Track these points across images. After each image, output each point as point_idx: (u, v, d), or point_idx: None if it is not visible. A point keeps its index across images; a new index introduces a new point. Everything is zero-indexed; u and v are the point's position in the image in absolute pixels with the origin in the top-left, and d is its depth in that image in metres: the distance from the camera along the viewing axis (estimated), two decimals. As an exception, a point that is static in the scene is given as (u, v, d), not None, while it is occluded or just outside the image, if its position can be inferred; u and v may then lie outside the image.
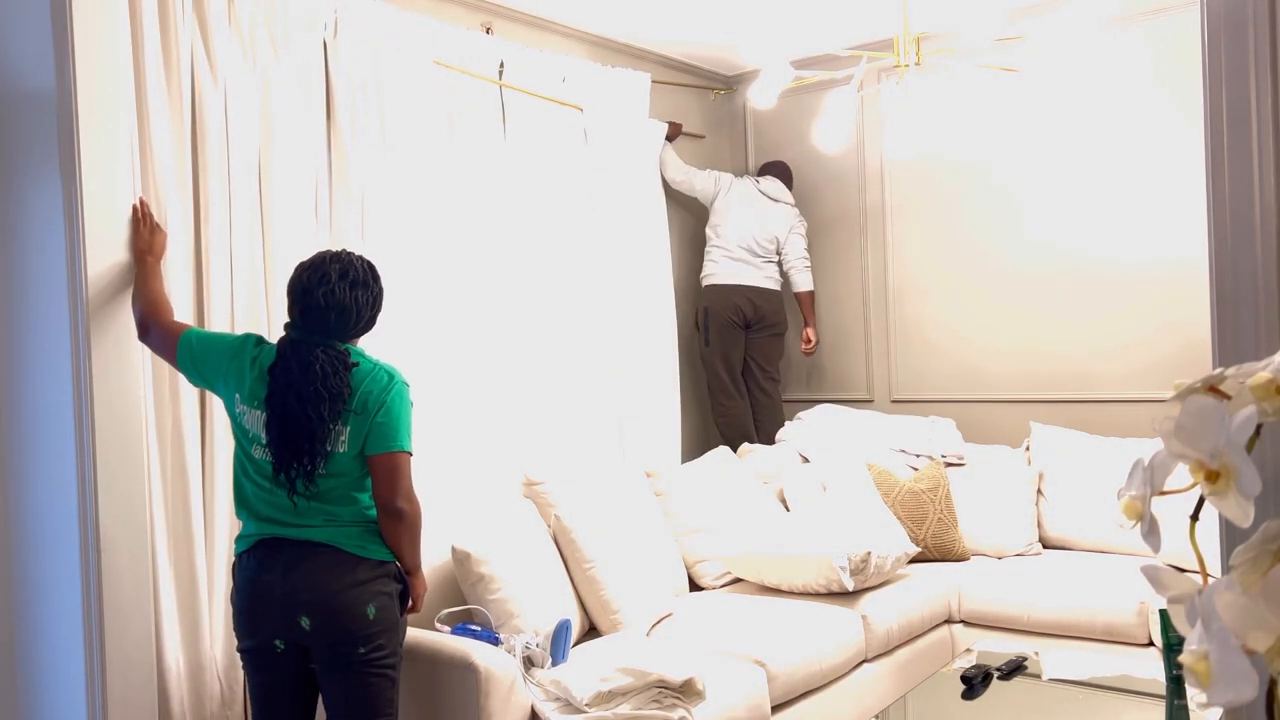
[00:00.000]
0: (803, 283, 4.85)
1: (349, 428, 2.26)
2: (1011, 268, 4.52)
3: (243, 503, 2.34)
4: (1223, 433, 0.78)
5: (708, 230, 4.85)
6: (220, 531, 2.93)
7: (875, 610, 3.38)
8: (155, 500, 2.71)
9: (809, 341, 4.94)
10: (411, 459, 2.32)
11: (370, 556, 2.28)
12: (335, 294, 2.27)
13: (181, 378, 2.74)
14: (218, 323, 2.94)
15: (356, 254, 2.39)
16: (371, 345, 3.35)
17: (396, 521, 2.28)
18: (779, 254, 4.81)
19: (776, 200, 4.84)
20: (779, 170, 4.97)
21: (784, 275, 4.85)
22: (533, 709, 2.49)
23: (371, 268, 2.38)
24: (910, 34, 3.53)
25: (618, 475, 3.71)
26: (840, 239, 5.01)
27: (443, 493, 3.53)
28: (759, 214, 4.78)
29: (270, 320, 3.07)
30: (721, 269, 4.76)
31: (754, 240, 4.74)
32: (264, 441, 2.26)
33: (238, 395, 2.32)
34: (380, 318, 2.44)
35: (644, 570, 3.31)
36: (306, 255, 3.15)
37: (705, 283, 4.82)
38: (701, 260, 5.07)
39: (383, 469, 2.27)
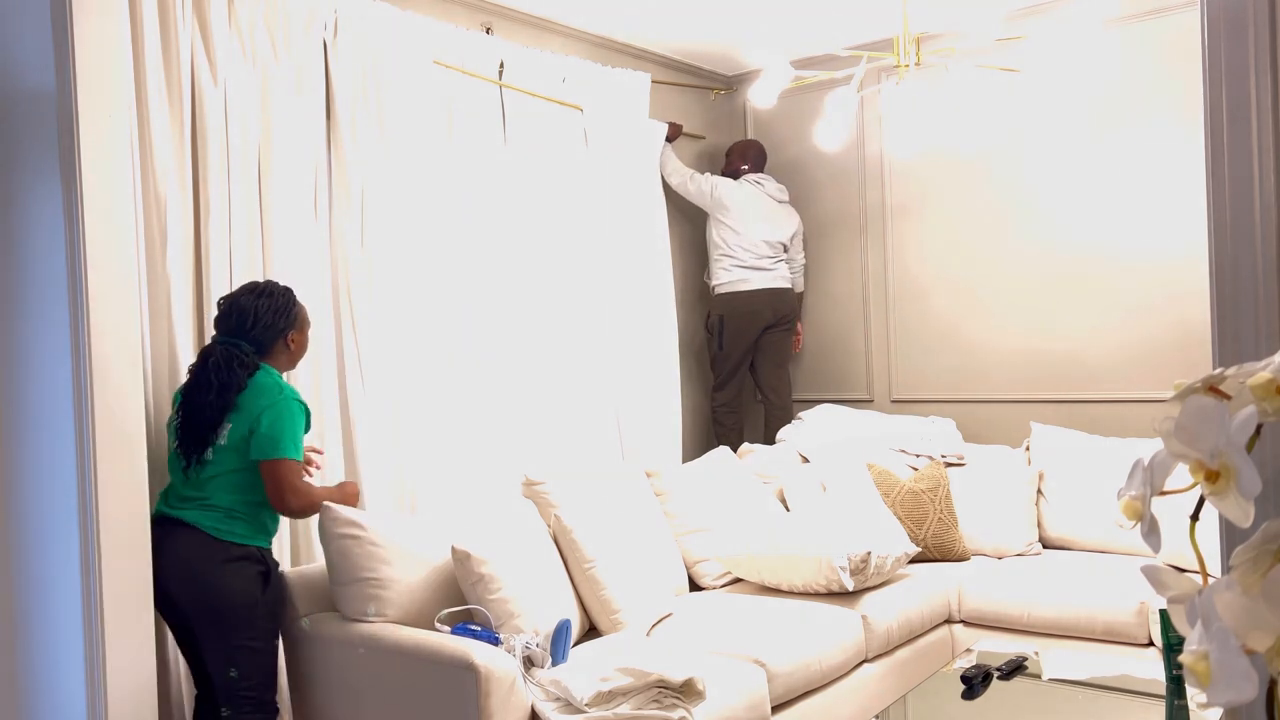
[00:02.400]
0: (799, 285, 4.96)
1: (230, 425, 2.61)
2: (1012, 268, 4.52)
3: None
4: (1223, 433, 0.78)
5: (715, 236, 4.77)
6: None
7: (875, 610, 3.38)
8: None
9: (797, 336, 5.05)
10: (295, 464, 2.64)
11: (226, 539, 2.60)
12: (238, 301, 2.70)
13: (183, 377, 2.78)
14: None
15: (282, 284, 2.78)
16: (376, 342, 3.38)
17: (291, 515, 2.73)
18: (785, 252, 4.83)
19: (783, 201, 4.86)
20: (758, 155, 4.92)
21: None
22: (533, 709, 2.49)
23: (285, 290, 2.76)
24: (910, 34, 3.53)
25: (618, 475, 3.71)
26: (840, 239, 5.01)
27: (443, 492, 3.54)
28: (770, 218, 4.77)
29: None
30: (736, 276, 4.71)
31: (767, 244, 4.74)
32: (171, 442, 2.66)
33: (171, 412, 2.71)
34: (283, 326, 2.73)
35: (644, 570, 3.31)
36: (306, 253, 3.22)
37: (719, 290, 4.77)
38: (700, 261, 5.08)
39: (268, 475, 2.61)
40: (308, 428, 2.73)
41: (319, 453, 3.05)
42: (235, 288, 2.88)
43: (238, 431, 2.61)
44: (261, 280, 2.81)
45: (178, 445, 2.62)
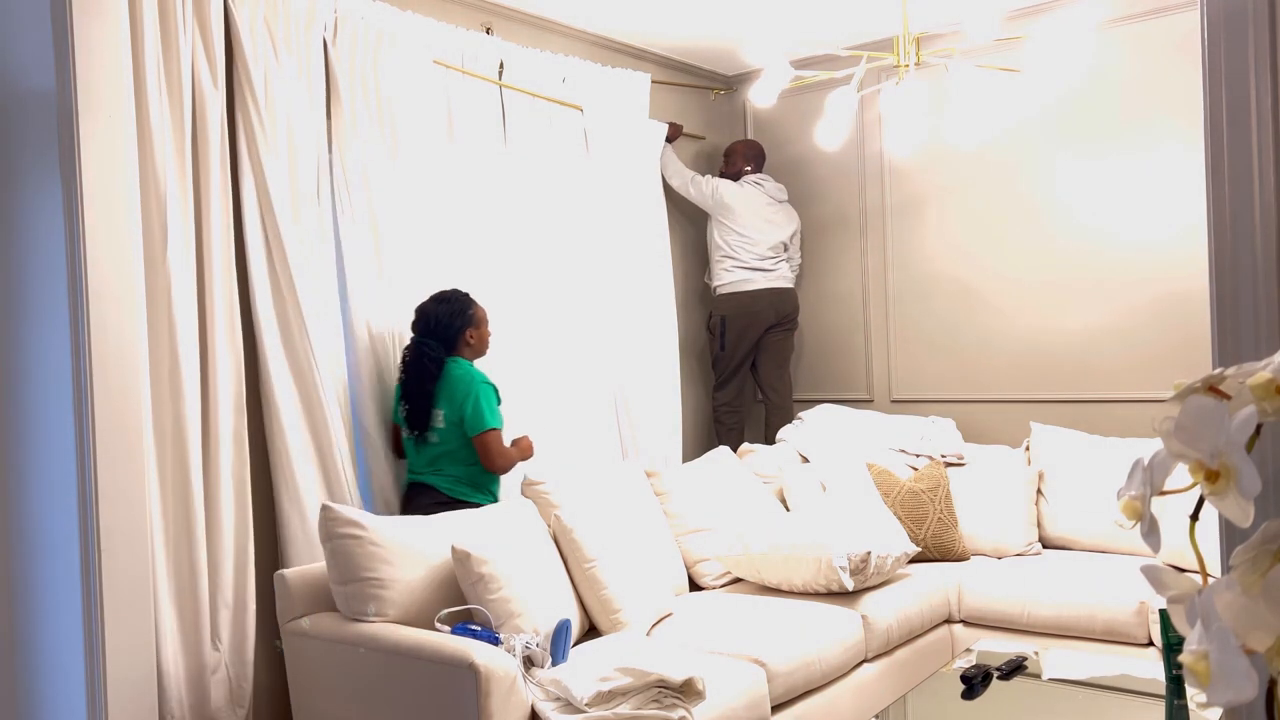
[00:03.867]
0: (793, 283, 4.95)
1: (442, 411, 3.25)
2: (1011, 267, 4.52)
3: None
4: (1223, 433, 0.78)
5: (717, 238, 4.77)
6: (221, 531, 2.93)
7: (875, 610, 3.38)
8: (155, 500, 2.72)
9: None
10: (498, 433, 3.27)
11: (461, 499, 3.24)
12: (424, 308, 3.35)
13: (182, 376, 2.81)
14: (216, 324, 2.94)
15: (461, 290, 3.40)
16: (377, 342, 3.38)
17: (499, 472, 3.33)
18: (785, 251, 4.83)
19: (782, 201, 4.86)
20: (759, 155, 4.92)
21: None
22: (533, 709, 2.49)
23: (461, 295, 3.38)
24: (910, 34, 3.53)
25: (618, 475, 3.71)
26: (840, 239, 5.01)
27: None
28: (772, 218, 4.77)
29: (268, 321, 3.08)
30: (739, 276, 4.70)
31: (769, 245, 4.73)
32: (402, 426, 3.33)
33: None
34: (466, 327, 3.35)
35: (644, 570, 3.31)
36: (305, 252, 3.24)
37: (721, 291, 4.77)
38: (700, 262, 5.08)
39: (479, 445, 3.26)
40: (499, 400, 3.32)
41: None
42: (239, 289, 3.01)
43: (451, 416, 3.24)
44: (448, 288, 3.39)
45: (409, 430, 3.27)
